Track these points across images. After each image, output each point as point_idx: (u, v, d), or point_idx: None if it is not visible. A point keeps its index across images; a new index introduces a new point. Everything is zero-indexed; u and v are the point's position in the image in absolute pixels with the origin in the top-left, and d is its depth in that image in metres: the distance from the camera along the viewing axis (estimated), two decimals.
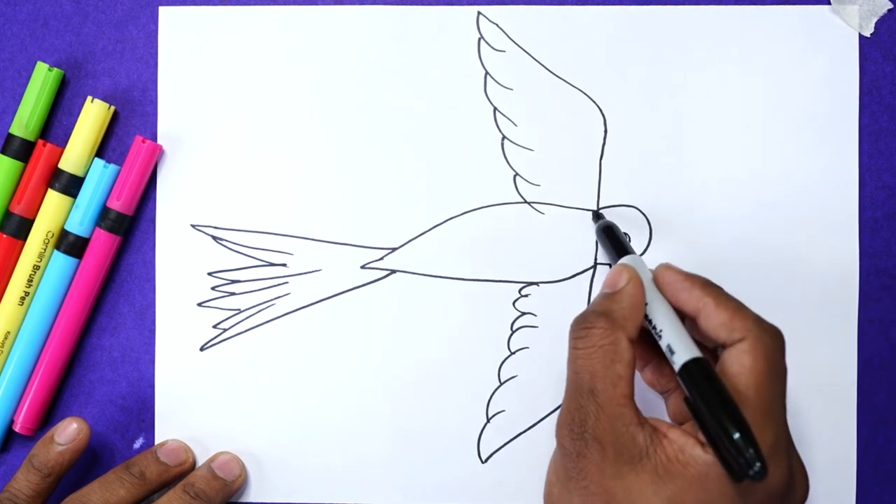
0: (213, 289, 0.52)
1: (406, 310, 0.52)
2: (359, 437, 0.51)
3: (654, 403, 0.48)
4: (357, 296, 0.52)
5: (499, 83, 0.52)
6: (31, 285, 0.51)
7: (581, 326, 0.42)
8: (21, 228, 0.51)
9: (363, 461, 0.51)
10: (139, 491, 0.49)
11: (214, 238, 0.52)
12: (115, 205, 0.50)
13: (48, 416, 0.52)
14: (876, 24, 0.51)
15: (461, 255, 0.52)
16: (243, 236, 0.52)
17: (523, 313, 0.52)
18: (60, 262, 0.50)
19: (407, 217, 0.52)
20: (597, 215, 0.51)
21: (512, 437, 0.51)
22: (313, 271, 0.52)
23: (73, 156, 0.50)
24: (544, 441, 0.51)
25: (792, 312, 0.51)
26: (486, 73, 0.52)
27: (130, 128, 0.52)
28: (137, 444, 0.52)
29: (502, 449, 0.51)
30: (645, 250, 0.51)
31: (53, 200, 0.50)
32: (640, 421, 0.41)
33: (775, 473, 0.40)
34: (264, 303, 0.52)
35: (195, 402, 0.52)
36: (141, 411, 0.52)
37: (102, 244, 0.51)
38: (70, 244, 0.50)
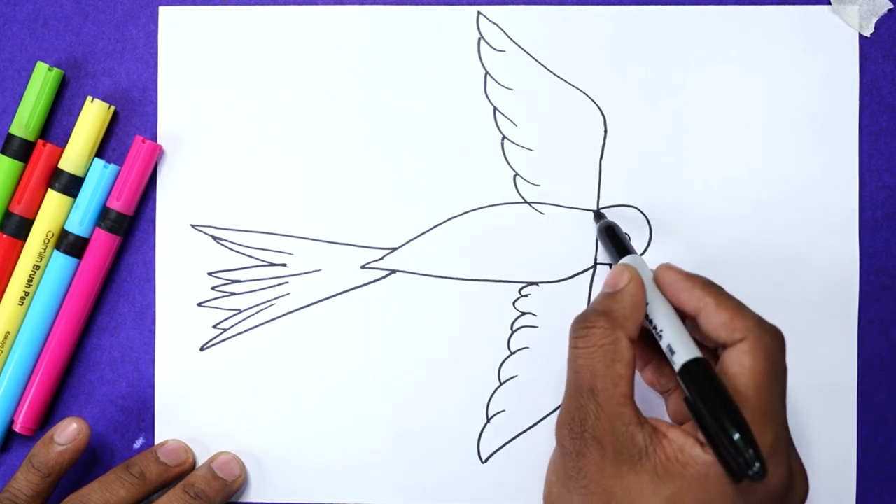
0: (213, 289, 0.52)
1: (406, 310, 0.52)
2: (359, 437, 0.51)
3: (654, 403, 0.48)
4: (357, 296, 0.52)
5: (499, 83, 0.52)
6: (31, 285, 0.51)
7: (581, 326, 0.42)
8: (21, 228, 0.51)
9: (363, 461, 0.51)
10: (139, 491, 0.49)
11: (214, 238, 0.52)
12: (115, 205, 0.50)
13: (48, 416, 0.52)
14: (876, 24, 0.51)
15: (461, 255, 0.52)
16: (243, 236, 0.52)
17: (523, 313, 0.52)
18: (60, 262, 0.50)
19: (407, 217, 0.52)
20: (598, 215, 0.51)
21: (512, 437, 0.51)
22: (313, 271, 0.52)
23: (73, 156, 0.50)
24: (544, 441, 0.51)
25: (792, 312, 0.51)
26: (486, 73, 0.52)
27: (130, 128, 0.52)
28: (137, 444, 0.52)
29: (502, 449, 0.51)
30: (645, 250, 0.51)
31: (53, 200, 0.50)
32: (640, 420, 0.41)
33: (775, 474, 0.40)
34: (264, 303, 0.52)
35: (195, 402, 0.52)
36: (141, 411, 0.52)
37: (102, 244, 0.51)
38: (70, 244, 0.50)
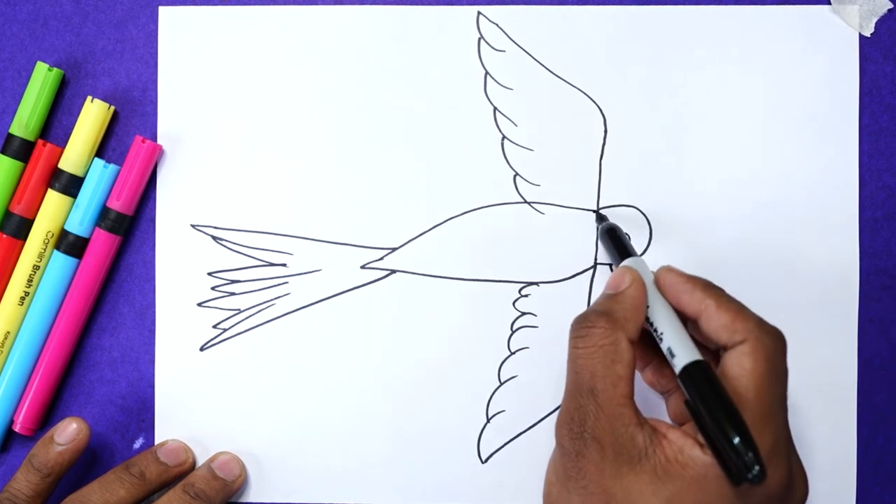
0: (213, 289, 0.52)
1: (406, 310, 0.52)
2: (359, 437, 0.51)
3: (654, 404, 0.48)
4: (357, 296, 0.52)
5: (499, 83, 0.52)
6: (31, 285, 0.51)
7: (582, 325, 0.43)
8: (21, 228, 0.51)
9: (363, 461, 0.51)
10: (139, 491, 0.49)
11: (214, 238, 0.52)
12: (115, 205, 0.50)
13: (48, 416, 0.52)
14: (876, 24, 0.51)
15: (461, 255, 0.52)
16: (243, 236, 0.52)
17: (523, 313, 0.52)
18: (60, 262, 0.50)
19: (407, 217, 0.52)
20: (600, 217, 0.51)
21: (512, 437, 0.51)
22: (313, 271, 0.52)
23: (73, 156, 0.50)
24: (544, 441, 0.51)
25: (792, 312, 0.51)
26: (486, 73, 0.52)
27: (130, 128, 0.52)
28: (137, 444, 0.52)
29: (502, 449, 0.51)
30: (645, 250, 0.51)
31: (53, 200, 0.50)
32: (640, 421, 0.41)
33: (774, 476, 0.40)
34: (264, 303, 0.52)
35: (195, 402, 0.52)
36: (141, 411, 0.52)
37: (102, 244, 0.51)
38: (70, 244, 0.50)
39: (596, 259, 0.51)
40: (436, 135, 0.52)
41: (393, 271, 0.52)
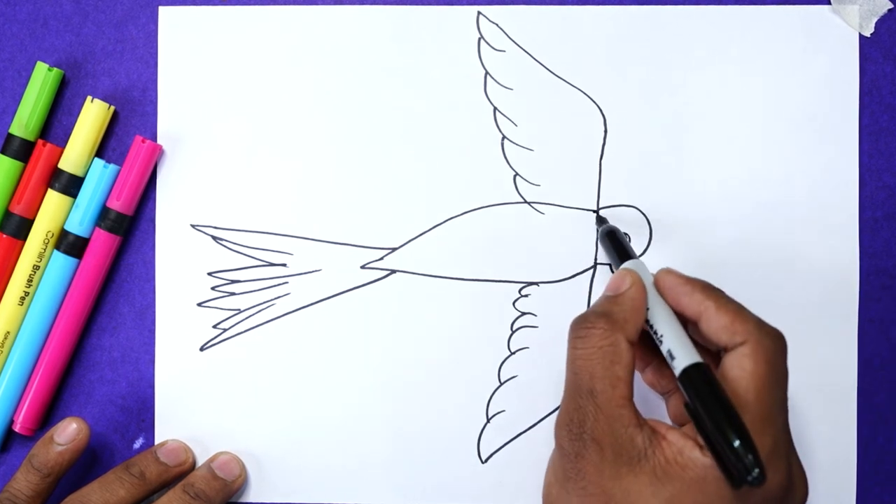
0: (213, 289, 0.52)
1: (406, 310, 0.52)
2: (359, 438, 0.51)
3: (654, 405, 0.48)
4: (357, 296, 0.52)
5: (499, 83, 0.52)
6: (30, 285, 0.51)
7: (581, 326, 0.42)
8: (21, 228, 0.51)
9: (363, 461, 0.51)
10: (139, 491, 0.49)
11: (214, 238, 0.52)
12: (115, 205, 0.50)
13: (48, 416, 0.52)
14: (876, 24, 0.51)
15: (461, 255, 0.52)
16: (243, 236, 0.52)
17: (523, 313, 0.52)
18: (60, 262, 0.50)
19: (407, 217, 0.52)
20: (600, 219, 0.51)
21: (512, 437, 0.51)
22: (313, 271, 0.52)
23: (73, 156, 0.50)
24: (544, 441, 0.51)
25: (792, 312, 0.51)
26: (486, 73, 0.52)
27: (130, 128, 0.52)
28: (137, 444, 0.52)
29: (502, 449, 0.51)
30: (645, 250, 0.51)
31: (53, 200, 0.50)
32: (640, 422, 0.41)
33: (773, 478, 0.40)
34: (264, 303, 0.52)
35: (195, 402, 0.52)
36: (141, 411, 0.52)
37: (102, 244, 0.51)
38: (70, 244, 0.50)
39: (596, 259, 0.51)
40: (436, 135, 0.52)
41: (393, 271, 0.52)
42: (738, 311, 0.42)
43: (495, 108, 0.52)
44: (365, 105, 0.52)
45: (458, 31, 0.52)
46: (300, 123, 0.52)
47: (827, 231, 0.51)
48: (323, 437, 0.51)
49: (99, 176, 0.50)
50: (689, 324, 0.43)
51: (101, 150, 0.52)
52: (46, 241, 0.50)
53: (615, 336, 0.42)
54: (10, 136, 0.50)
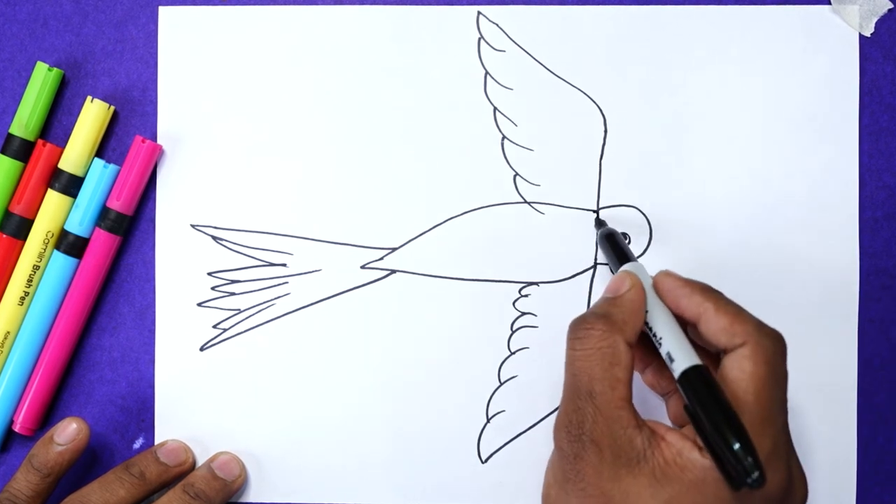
0: (213, 289, 0.52)
1: (406, 310, 0.52)
2: (359, 437, 0.51)
3: (654, 406, 0.48)
4: (357, 296, 0.52)
5: (499, 83, 0.52)
6: (30, 285, 0.51)
7: (580, 328, 0.42)
8: (21, 228, 0.51)
9: (363, 461, 0.51)
10: (139, 491, 0.49)
11: (214, 238, 0.52)
12: (115, 205, 0.50)
13: (48, 416, 0.52)
14: (876, 24, 0.51)
15: (461, 255, 0.52)
16: (243, 236, 0.52)
17: (523, 313, 0.52)
18: (60, 262, 0.50)
19: (407, 217, 0.52)
20: (599, 222, 0.51)
21: (512, 437, 0.51)
22: (313, 271, 0.52)
23: (73, 156, 0.50)
24: (544, 441, 0.51)
25: (792, 312, 0.51)
26: (486, 73, 0.52)
27: (130, 128, 0.52)
28: (137, 444, 0.52)
29: (502, 449, 0.51)
30: (645, 250, 0.51)
31: (53, 200, 0.50)
32: (639, 423, 0.41)
33: (773, 479, 0.40)
34: (264, 303, 0.52)
35: (195, 402, 0.52)
36: (141, 411, 0.52)
37: (102, 244, 0.51)
38: (70, 244, 0.50)
39: (596, 259, 0.51)
40: (436, 135, 0.52)
41: (393, 271, 0.52)
42: (737, 312, 0.42)
43: (495, 108, 0.52)
44: (365, 105, 0.52)
45: (458, 31, 0.52)
46: (300, 123, 0.52)
47: (827, 231, 0.51)
48: (323, 437, 0.51)
49: (99, 176, 0.50)
50: (688, 325, 0.43)
51: (101, 150, 0.52)
52: (46, 241, 0.50)
53: (614, 337, 0.42)
54: (10, 136, 0.50)
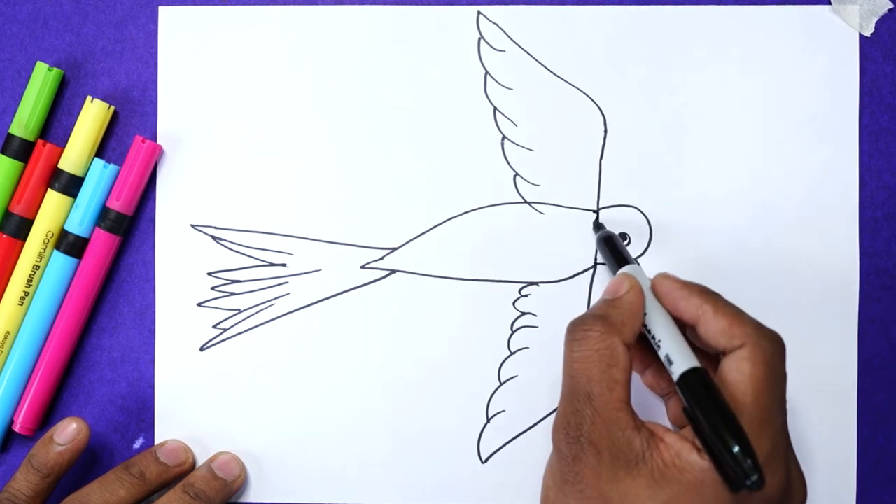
0: (212, 289, 0.52)
1: (406, 310, 0.52)
2: (359, 437, 0.51)
3: (652, 408, 0.48)
4: (357, 296, 0.52)
5: (499, 83, 0.52)
6: (30, 285, 0.51)
7: (578, 329, 0.42)
8: (21, 228, 0.51)
9: (363, 461, 0.51)
10: (139, 491, 0.49)
11: (214, 238, 0.52)
12: (115, 205, 0.50)
13: (48, 416, 0.52)
14: (876, 23, 0.51)
15: (461, 255, 0.52)
16: (243, 236, 0.52)
17: (523, 313, 0.52)
18: (60, 262, 0.50)
19: (407, 217, 0.52)
20: (597, 225, 0.51)
21: (512, 437, 0.51)
22: (313, 271, 0.52)
23: (73, 156, 0.50)
24: (544, 441, 0.51)
25: (792, 312, 0.51)
26: (486, 73, 0.52)
27: (130, 128, 0.52)
28: (137, 444, 0.52)
29: (502, 449, 0.51)
30: (645, 250, 0.51)
31: (53, 200, 0.50)
32: (637, 425, 0.41)
33: (771, 481, 0.40)
34: (264, 303, 0.52)
35: (195, 402, 0.52)
36: (141, 411, 0.52)
37: (102, 244, 0.51)
38: (70, 244, 0.50)
39: (596, 259, 0.51)
40: (436, 135, 0.52)
41: (393, 271, 0.52)
42: (735, 314, 0.42)
43: (495, 108, 0.52)
44: (365, 105, 0.52)
45: (458, 31, 0.52)
46: (300, 123, 0.52)
47: (827, 231, 0.51)
48: (323, 437, 0.51)
49: (99, 176, 0.50)
50: (687, 328, 0.43)
51: (101, 150, 0.52)
52: (46, 241, 0.50)
53: (612, 339, 0.41)
54: (10, 136, 0.50)
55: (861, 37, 0.51)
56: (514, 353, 0.51)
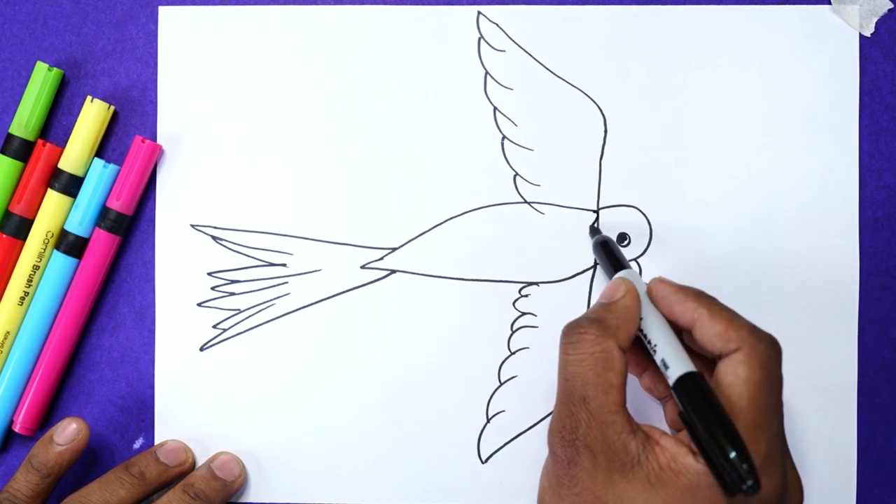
0: (212, 289, 0.52)
1: (406, 310, 0.52)
2: (359, 438, 0.51)
3: (648, 411, 0.48)
4: (357, 296, 0.52)
5: (499, 83, 0.52)
6: (30, 285, 0.51)
7: (573, 332, 0.42)
8: (21, 228, 0.51)
9: (363, 461, 0.51)
10: (139, 491, 0.49)
11: (214, 238, 0.52)
12: (115, 205, 0.50)
13: (48, 416, 0.52)
14: (876, 23, 0.51)
15: (461, 255, 0.52)
16: (243, 236, 0.52)
17: (523, 313, 0.51)
18: (60, 262, 0.50)
19: (407, 217, 0.52)
20: (593, 230, 0.51)
21: (512, 437, 0.51)
22: (313, 271, 0.52)
23: (73, 156, 0.50)
24: (544, 441, 0.51)
25: (792, 312, 0.51)
26: (486, 73, 0.52)
27: (130, 128, 0.52)
28: (137, 445, 0.52)
29: (502, 449, 0.51)
30: (645, 250, 0.51)
31: (53, 200, 0.50)
32: (633, 428, 0.41)
33: (767, 485, 0.40)
34: (264, 303, 0.52)
35: (195, 402, 0.52)
36: (141, 411, 0.52)
37: (102, 244, 0.51)
38: (70, 244, 0.50)
39: (596, 259, 0.51)
40: (436, 135, 0.52)
41: (393, 271, 0.52)
42: (731, 318, 0.42)
43: (495, 108, 0.52)
44: (365, 105, 0.52)
45: (458, 31, 0.52)
46: (300, 123, 0.52)
47: (827, 231, 0.51)
48: (323, 437, 0.51)
49: (99, 176, 0.50)
50: (683, 332, 0.43)
51: (101, 150, 0.52)
52: (46, 241, 0.50)
53: (607, 342, 0.42)
54: (9, 136, 0.50)
55: (861, 37, 0.51)
56: (514, 353, 0.51)
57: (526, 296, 0.51)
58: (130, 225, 0.52)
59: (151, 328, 0.52)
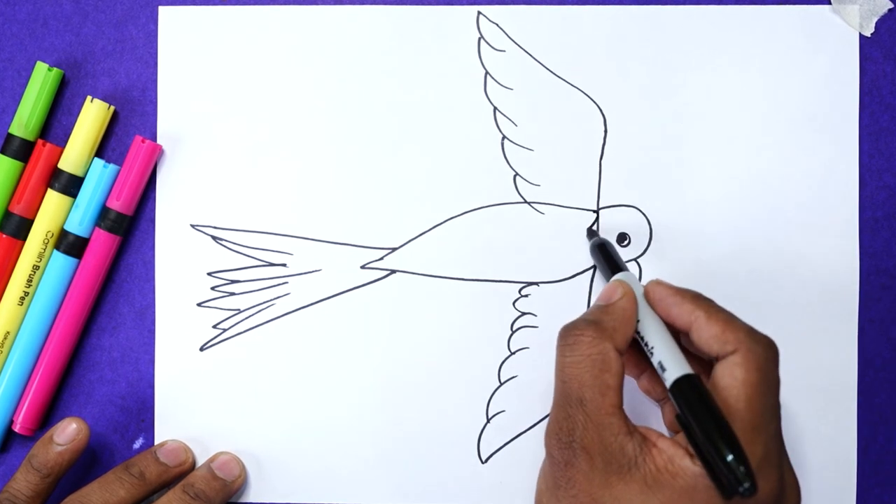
0: (212, 289, 0.52)
1: (406, 310, 0.52)
2: (359, 438, 0.51)
3: (645, 413, 0.48)
4: (357, 296, 0.52)
5: (499, 83, 0.52)
6: (30, 285, 0.51)
7: (570, 334, 0.42)
8: (21, 228, 0.51)
9: (363, 461, 0.51)
10: (139, 491, 0.49)
11: (214, 238, 0.52)
12: (115, 205, 0.50)
13: (48, 416, 0.52)
14: (876, 23, 0.51)
15: (461, 255, 0.52)
16: (243, 236, 0.52)
17: (523, 313, 0.51)
18: (60, 262, 0.50)
19: (407, 217, 0.52)
20: (591, 232, 0.51)
21: (512, 437, 0.51)
22: (313, 271, 0.52)
23: (73, 156, 0.50)
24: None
25: (792, 312, 0.51)
26: (486, 73, 0.52)
27: (130, 128, 0.52)
28: (137, 445, 0.52)
29: (502, 449, 0.51)
30: (645, 250, 0.51)
31: (53, 200, 0.50)
32: (630, 430, 0.41)
33: (764, 487, 0.40)
34: (264, 303, 0.52)
35: (195, 402, 0.52)
36: (141, 411, 0.52)
37: (102, 244, 0.51)
38: (70, 244, 0.50)
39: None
40: (436, 135, 0.52)
41: (393, 271, 0.52)
42: (728, 319, 0.42)
43: (495, 108, 0.52)
44: (365, 105, 0.52)
45: (458, 31, 0.52)
46: (300, 123, 0.52)
47: (827, 231, 0.51)
48: (323, 437, 0.51)
49: (99, 176, 0.50)
50: (680, 334, 0.43)
51: (101, 150, 0.52)
52: (46, 241, 0.50)
53: (604, 344, 0.41)
54: (9, 136, 0.50)
55: (861, 37, 0.51)
56: (514, 353, 0.51)
57: (526, 296, 0.51)
58: (130, 225, 0.52)
59: (151, 328, 0.52)
